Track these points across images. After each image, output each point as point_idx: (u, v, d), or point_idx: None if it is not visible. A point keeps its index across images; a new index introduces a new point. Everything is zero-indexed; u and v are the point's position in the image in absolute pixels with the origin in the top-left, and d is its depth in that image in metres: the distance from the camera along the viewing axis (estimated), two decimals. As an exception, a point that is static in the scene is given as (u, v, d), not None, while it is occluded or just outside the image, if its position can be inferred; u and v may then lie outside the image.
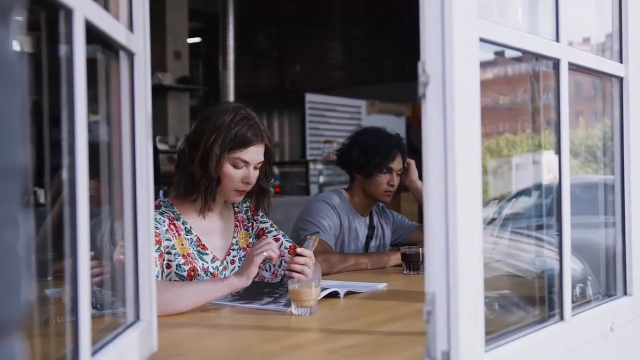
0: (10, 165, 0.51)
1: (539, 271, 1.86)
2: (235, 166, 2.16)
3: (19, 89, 0.52)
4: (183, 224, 2.20)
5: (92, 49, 1.08)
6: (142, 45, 1.36)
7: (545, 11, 1.55)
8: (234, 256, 2.30)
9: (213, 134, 2.13)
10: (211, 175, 2.14)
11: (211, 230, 2.26)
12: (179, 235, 2.16)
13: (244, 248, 2.32)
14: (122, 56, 1.31)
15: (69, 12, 0.97)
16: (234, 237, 2.32)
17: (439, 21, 1.15)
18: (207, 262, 2.19)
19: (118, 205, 1.37)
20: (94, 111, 1.23)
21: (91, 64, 1.05)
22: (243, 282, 1.93)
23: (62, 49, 0.99)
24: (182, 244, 2.16)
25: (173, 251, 2.12)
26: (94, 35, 1.09)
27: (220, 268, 2.23)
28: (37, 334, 1.15)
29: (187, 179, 2.17)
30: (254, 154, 2.18)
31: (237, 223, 2.34)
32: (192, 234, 2.20)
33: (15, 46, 0.55)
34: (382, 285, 2.33)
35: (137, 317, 1.36)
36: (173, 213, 2.19)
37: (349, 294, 2.15)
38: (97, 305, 1.35)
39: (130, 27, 1.33)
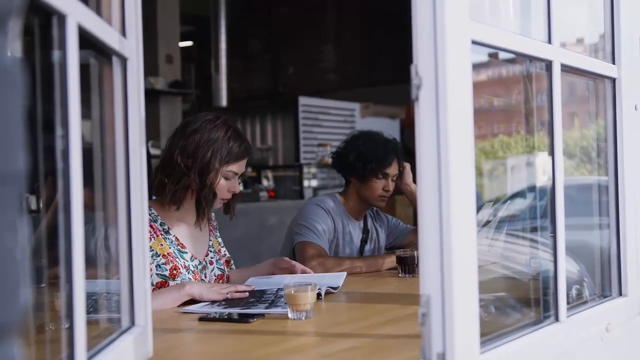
0: (9, 170, 0.51)
1: (534, 273, 1.86)
2: (226, 178, 2.29)
3: (17, 94, 0.52)
4: (161, 225, 2.28)
5: (84, 54, 1.08)
6: (135, 50, 1.36)
7: (537, 13, 1.55)
8: (211, 257, 2.41)
9: (209, 149, 2.23)
10: (210, 187, 2.25)
11: (189, 234, 2.35)
12: (157, 236, 2.24)
13: (217, 251, 2.45)
14: (115, 61, 1.31)
15: (62, 18, 0.97)
16: (210, 240, 2.44)
17: (431, 24, 1.15)
18: (187, 261, 2.28)
19: (112, 211, 1.36)
20: (87, 117, 1.22)
21: (83, 69, 1.05)
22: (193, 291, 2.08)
23: (55, 54, 0.99)
24: (162, 244, 2.24)
25: (151, 252, 2.18)
26: (86, 40, 1.08)
27: (200, 267, 2.33)
28: (31, 340, 1.15)
29: (181, 189, 2.25)
30: (244, 166, 2.34)
31: (212, 228, 2.47)
32: (170, 234, 2.28)
33: (13, 52, 0.55)
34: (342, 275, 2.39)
35: (132, 323, 1.35)
36: (150, 215, 2.25)
37: (328, 293, 2.19)
38: (90, 310, 1.35)
39: (123, 32, 1.33)
